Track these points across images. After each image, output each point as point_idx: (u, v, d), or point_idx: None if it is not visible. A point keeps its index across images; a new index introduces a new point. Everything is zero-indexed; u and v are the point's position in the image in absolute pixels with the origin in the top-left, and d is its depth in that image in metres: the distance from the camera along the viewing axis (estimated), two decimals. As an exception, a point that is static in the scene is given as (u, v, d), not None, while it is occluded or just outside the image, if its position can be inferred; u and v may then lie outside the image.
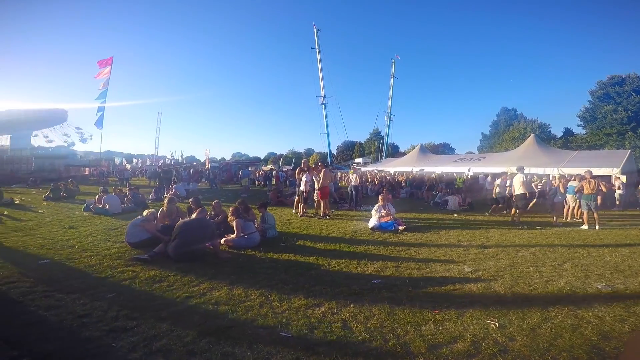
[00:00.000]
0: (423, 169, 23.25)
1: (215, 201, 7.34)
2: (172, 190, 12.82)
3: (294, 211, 10.23)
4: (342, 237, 6.89)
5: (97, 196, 9.90)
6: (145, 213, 5.98)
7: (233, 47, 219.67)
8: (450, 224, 8.94)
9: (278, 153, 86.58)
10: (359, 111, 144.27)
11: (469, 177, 19.72)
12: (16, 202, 11.67)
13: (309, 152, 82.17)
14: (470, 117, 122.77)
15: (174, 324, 2.86)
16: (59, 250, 5.32)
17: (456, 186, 17.17)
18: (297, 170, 10.59)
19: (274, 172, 25.71)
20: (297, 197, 10.37)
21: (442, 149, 61.37)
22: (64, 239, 6.18)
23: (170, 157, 48.98)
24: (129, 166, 40.62)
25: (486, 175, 17.34)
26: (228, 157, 77.43)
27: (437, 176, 20.13)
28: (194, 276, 4.14)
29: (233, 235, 5.77)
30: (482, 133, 59.53)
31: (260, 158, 78.74)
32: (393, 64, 51.41)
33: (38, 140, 38.10)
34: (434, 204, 13.08)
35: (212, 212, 6.97)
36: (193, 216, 5.42)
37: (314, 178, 9.61)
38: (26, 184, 20.24)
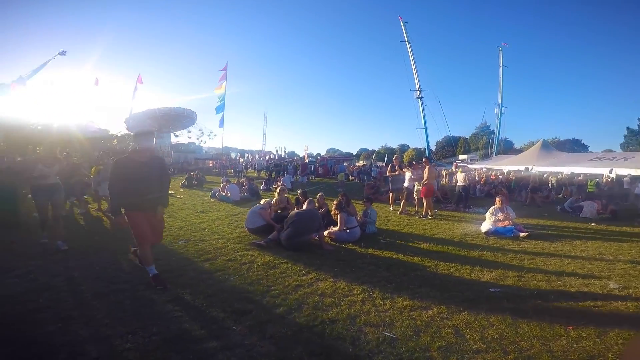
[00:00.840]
0: (529, 168, 19.69)
1: (319, 194, 7.70)
2: (279, 182, 14.06)
3: (390, 208, 9.99)
4: (449, 240, 6.39)
5: (221, 185, 11.58)
6: (262, 202, 6.67)
7: (327, 46, 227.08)
8: (586, 234, 7.36)
9: (370, 149, 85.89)
10: (461, 104, 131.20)
11: (609, 180, 15.86)
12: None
13: (403, 148, 79.05)
14: (607, 109, 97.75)
15: (286, 313, 3.00)
16: (193, 232, 6.29)
17: (588, 190, 14.05)
18: (389, 167, 10.29)
19: (369, 167, 25.64)
20: (391, 194, 10.08)
21: (571, 146, 50.99)
22: (197, 221, 7.33)
23: (275, 153, 53.79)
24: (242, 160, 46.27)
25: (634, 178, 13.66)
26: (323, 153, 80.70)
27: (566, 177, 16.81)
28: (303, 265, 4.37)
29: (336, 228, 5.95)
30: (628, 127, 48.09)
31: (352, 154, 79.66)
32: (500, 52, 45.48)
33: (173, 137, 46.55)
34: (562, 210, 10.97)
35: (317, 204, 7.33)
36: (303, 207, 5.79)
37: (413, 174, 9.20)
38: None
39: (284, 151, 59.31)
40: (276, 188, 14.93)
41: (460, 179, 11.51)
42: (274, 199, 7.33)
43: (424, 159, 10.73)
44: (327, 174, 27.80)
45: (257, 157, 49.19)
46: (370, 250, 5.31)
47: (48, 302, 2.96)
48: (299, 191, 8.14)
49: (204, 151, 51.21)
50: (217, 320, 2.82)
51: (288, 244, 5.12)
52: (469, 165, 29.16)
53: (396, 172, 9.81)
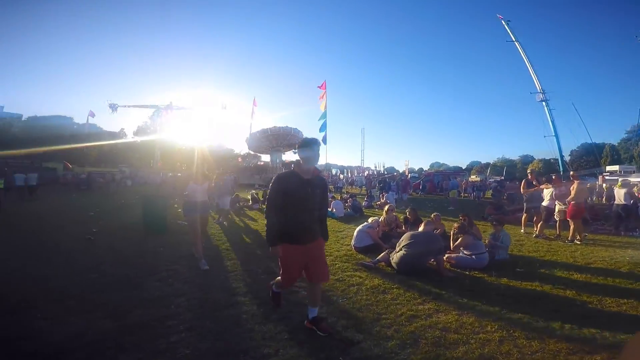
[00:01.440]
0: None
1: (434, 214, 6.86)
2: (382, 199, 13.50)
3: (522, 230, 8.25)
4: (614, 270, 4.87)
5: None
6: (369, 221, 6.27)
7: (425, 53, 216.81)
8: None
9: (483, 162, 76.64)
10: (600, 106, 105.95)
11: None
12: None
13: (525, 159, 67.93)
14: None
15: (399, 347, 2.57)
16: None
17: None
18: (523, 183, 8.54)
19: (488, 182, 22.55)
20: (524, 214, 8.31)
21: None
22: None
23: (373, 168, 53.42)
24: (341, 176, 47.37)
25: None
26: (426, 168, 76.07)
27: None
28: (418, 293, 3.79)
29: (467, 252, 5.05)
30: None
31: (461, 168, 72.57)
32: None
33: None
34: None
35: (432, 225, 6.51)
36: (420, 228, 5.13)
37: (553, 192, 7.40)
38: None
39: (383, 167, 58.42)
40: (379, 205, 14.64)
41: (620, 195, 8.85)
42: (382, 218, 6.83)
43: (572, 173, 8.62)
44: (433, 190, 25.76)
45: (355, 174, 49.65)
46: (504, 280, 4.37)
47: (178, 309, 3.14)
48: (407, 209, 7.46)
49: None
50: (325, 348, 2.55)
51: (401, 267, 4.56)
52: (630, 179, 22.56)
53: (534, 189, 8.10)
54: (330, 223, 9.48)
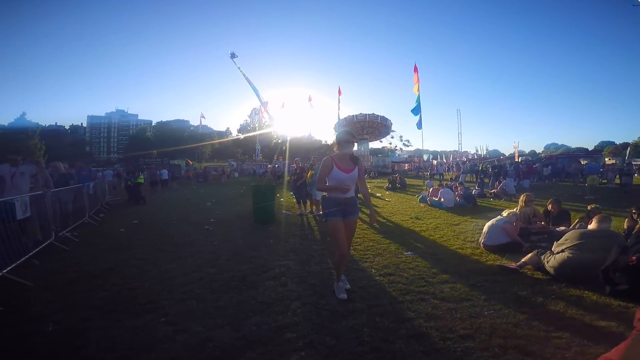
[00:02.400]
0: None
1: (591, 205, 5.19)
2: (498, 187, 11.49)
3: None
4: None
5: (430, 189, 10.52)
6: (504, 214, 5.07)
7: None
8: None
9: (618, 142, 60.60)
10: None
11: None
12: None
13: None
14: None
15: None
16: (415, 242, 5.49)
17: None
18: None
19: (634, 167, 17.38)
20: None
21: None
22: (415, 229, 6.54)
23: (473, 152, 47.82)
24: (435, 162, 43.86)
25: None
26: (539, 150, 64.31)
27: None
28: (595, 314, 2.70)
29: None
30: None
31: (587, 149, 59.06)
32: None
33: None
34: None
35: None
36: (592, 225, 3.79)
37: None
38: (368, 176, 26.56)
39: (486, 150, 51.81)
40: (493, 193, 12.54)
41: None
42: (517, 209, 5.49)
43: None
44: (557, 175, 21.19)
45: (450, 158, 45.28)
46: None
47: (294, 317, 2.77)
48: (550, 200, 5.87)
49: (397, 154, 52.06)
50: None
51: (564, 273, 3.39)
52: None
53: None
54: (440, 214, 8.35)
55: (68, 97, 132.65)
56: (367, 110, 50.31)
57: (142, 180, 11.80)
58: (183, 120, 79.82)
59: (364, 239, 5.55)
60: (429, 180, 15.19)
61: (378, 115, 41.26)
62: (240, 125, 68.14)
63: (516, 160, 33.86)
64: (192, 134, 64.40)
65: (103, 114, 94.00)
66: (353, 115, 38.03)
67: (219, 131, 74.09)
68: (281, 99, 48.74)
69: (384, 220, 7.54)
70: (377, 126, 42.08)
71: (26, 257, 4.26)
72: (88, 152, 75.59)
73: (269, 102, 46.89)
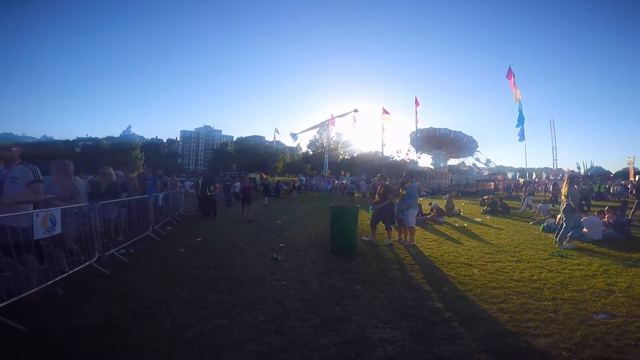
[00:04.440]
0: None
1: None
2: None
3: None
4: None
5: (557, 217, 7.80)
6: None
7: None
8: None
9: None
10: None
11: None
12: (461, 214, 12.49)
13: None
14: None
15: None
16: (584, 303, 3.40)
17: None
18: None
19: None
20: None
21: None
22: (576, 273, 4.41)
23: (569, 169, 39.91)
24: (521, 180, 37.47)
25: None
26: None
27: None
28: None
29: None
30: None
31: None
32: None
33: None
34: None
35: None
36: None
37: None
38: (450, 194, 23.29)
39: (591, 165, 43.13)
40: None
41: None
42: None
43: None
44: None
45: (543, 175, 38.09)
46: None
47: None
48: None
49: (476, 172, 46.43)
50: None
51: None
52: None
53: None
54: (593, 251, 5.75)
55: (165, 112, 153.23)
56: (439, 123, 46.42)
57: (210, 192, 11.17)
58: (259, 136, 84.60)
59: (507, 293, 3.64)
60: (542, 204, 12.10)
61: (465, 135, 37.26)
62: (310, 141, 69.26)
63: (631, 178, 26.49)
64: (267, 149, 67.49)
65: (193, 129, 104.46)
66: (436, 129, 35.02)
67: (291, 147, 76.32)
68: (352, 112, 47.22)
69: (514, 260, 5.35)
70: (460, 145, 37.76)
71: (46, 283, 3.34)
72: (180, 163, 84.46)
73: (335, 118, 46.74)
